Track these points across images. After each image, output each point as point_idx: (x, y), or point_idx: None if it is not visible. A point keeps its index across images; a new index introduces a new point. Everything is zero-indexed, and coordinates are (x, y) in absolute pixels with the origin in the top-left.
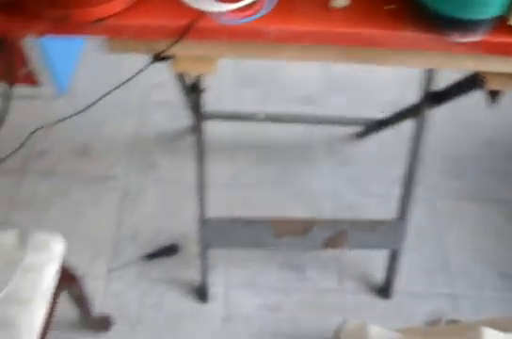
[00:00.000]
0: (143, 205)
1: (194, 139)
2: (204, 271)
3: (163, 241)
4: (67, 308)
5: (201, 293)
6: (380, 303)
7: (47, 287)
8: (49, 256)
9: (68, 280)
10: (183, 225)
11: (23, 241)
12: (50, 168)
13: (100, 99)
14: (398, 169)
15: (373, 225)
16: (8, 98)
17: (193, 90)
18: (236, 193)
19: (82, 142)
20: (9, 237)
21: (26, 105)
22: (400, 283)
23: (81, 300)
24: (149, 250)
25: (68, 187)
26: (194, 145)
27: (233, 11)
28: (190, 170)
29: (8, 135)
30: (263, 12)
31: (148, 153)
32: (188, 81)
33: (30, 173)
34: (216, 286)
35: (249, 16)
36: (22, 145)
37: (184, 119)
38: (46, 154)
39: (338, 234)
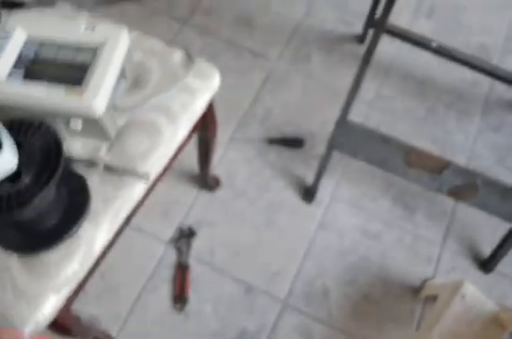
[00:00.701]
0: (284, 92)
1: (357, 47)
2: (319, 173)
3: (290, 132)
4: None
5: (308, 194)
6: (475, 275)
7: (194, 112)
8: (206, 85)
9: (209, 118)
10: (315, 124)
11: (187, 63)
12: (210, 27)
13: None
14: None
15: (508, 192)
16: None
17: None
18: (374, 115)
19: (248, 13)
20: (177, 55)
21: None
22: (503, 264)
23: (207, 148)
24: (274, 135)
25: (219, 51)
26: (353, 52)
27: None
28: (340, 75)
29: None
30: None
31: (306, 45)
32: None
33: (190, 26)
34: (324, 193)
35: None
36: None
37: (351, 26)
38: (211, 14)
39: (468, 186)
